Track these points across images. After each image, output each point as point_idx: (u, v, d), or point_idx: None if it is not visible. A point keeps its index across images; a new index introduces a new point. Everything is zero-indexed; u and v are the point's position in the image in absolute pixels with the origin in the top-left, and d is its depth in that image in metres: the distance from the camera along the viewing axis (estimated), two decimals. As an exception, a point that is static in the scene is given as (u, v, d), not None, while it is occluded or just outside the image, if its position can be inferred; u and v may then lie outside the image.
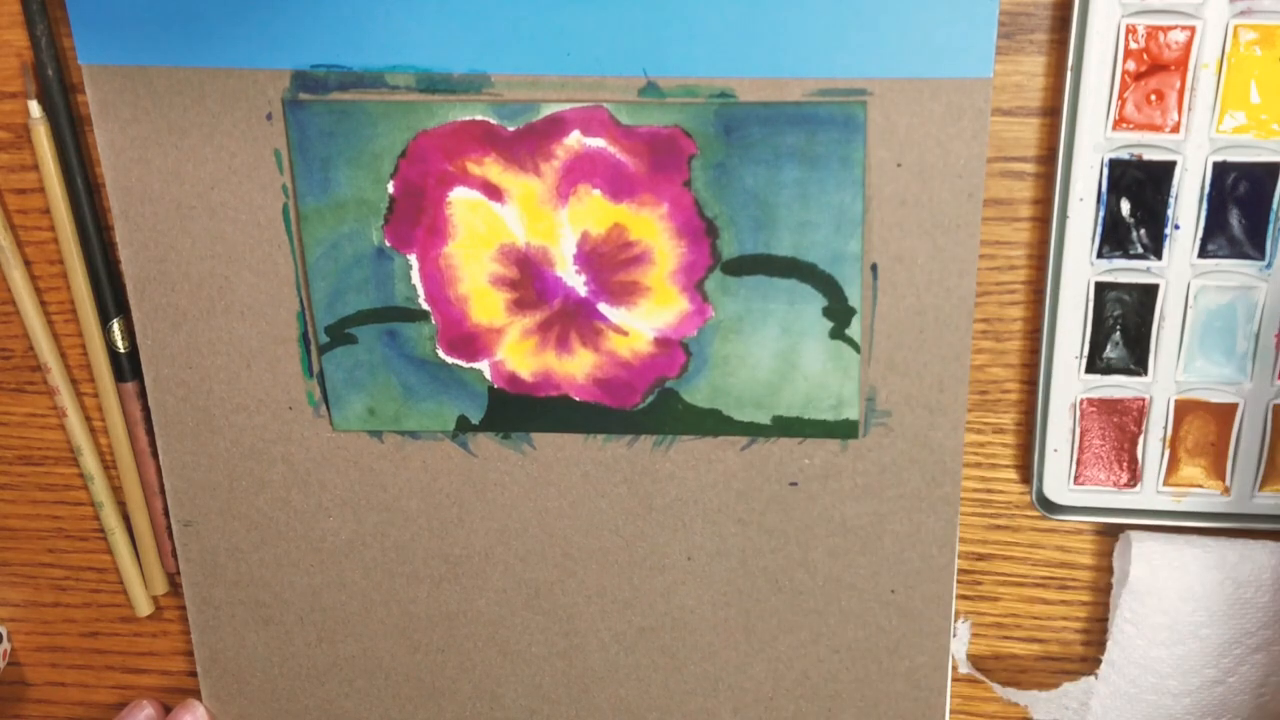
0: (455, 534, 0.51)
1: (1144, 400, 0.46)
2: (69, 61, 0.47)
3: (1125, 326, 0.45)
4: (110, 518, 0.54)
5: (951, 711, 0.53)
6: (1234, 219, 0.44)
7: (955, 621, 0.52)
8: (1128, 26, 0.42)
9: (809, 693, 0.52)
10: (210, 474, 0.51)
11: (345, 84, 0.45)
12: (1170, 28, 0.42)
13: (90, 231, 0.49)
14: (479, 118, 0.45)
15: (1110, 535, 0.50)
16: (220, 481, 0.52)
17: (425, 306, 0.48)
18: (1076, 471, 0.48)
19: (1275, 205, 0.43)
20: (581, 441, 0.49)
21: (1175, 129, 0.43)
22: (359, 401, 0.49)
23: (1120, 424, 0.47)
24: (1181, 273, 0.45)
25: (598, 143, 0.45)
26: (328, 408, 0.50)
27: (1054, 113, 0.44)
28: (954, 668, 0.52)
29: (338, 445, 0.50)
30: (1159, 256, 0.44)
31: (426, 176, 0.46)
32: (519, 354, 0.48)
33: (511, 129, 0.45)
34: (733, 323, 0.47)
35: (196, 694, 0.56)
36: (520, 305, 0.47)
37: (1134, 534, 0.48)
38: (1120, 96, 0.42)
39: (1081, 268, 0.45)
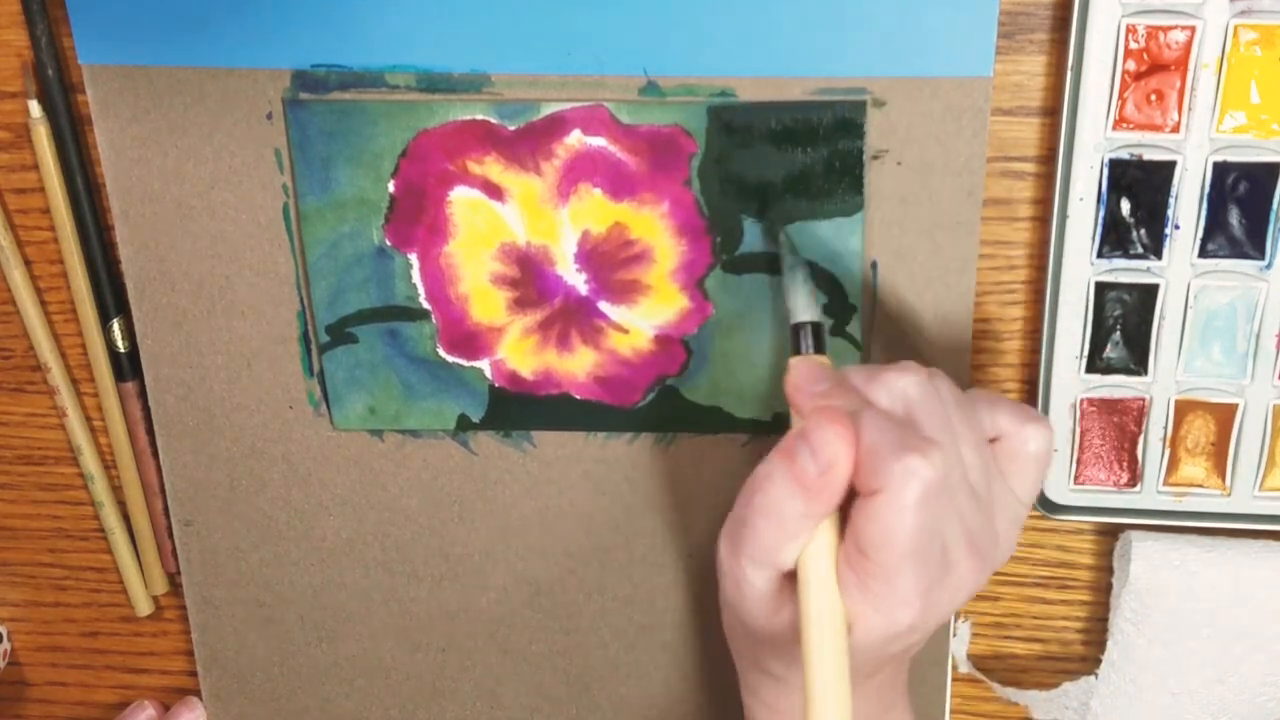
0: (456, 533, 0.51)
1: (1144, 400, 0.46)
2: (69, 61, 0.47)
3: (1125, 326, 0.45)
4: (110, 518, 0.53)
5: (951, 711, 0.53)
6: (1234, 219, 0.44)
7: (955, 621, 0.51)
8: (1128, 26, 0.42)
9: (809, 692, 0.52)
10: (210, 474, 0.51)
11: (345, 84, 0.45)
12: (1170, 28, 0.42)
13: (90, 231, 0.49)
14: (479, 117, 0.45)
15: (1110, 535, 0.50)
16: (220, 481, 0.52)
17: (426, 305, 0.48)
18: (1077, 471, 0.48)
19: (1275, 205, 0.43)
20: (582, 440, 0.49)
21: (1175, 129, 0.43)
22: (359, 400, 0.49)
23: (1120, 424, 0.47)
24: (1181, 273, 0.45)
25: (598, 142, 0.45)
26: (328, 407, 0.50)
27: (1054, 113, 0.44)
28: (954, 667, 0.52)
29: (338, 444, 0.50)
30: (1159, 256, 0.44)
31: (427, 176, 0.46)
32: (519, 352, 0.48)
33: (512, 128, 0.45)
34: (733, 320, 0.47)
35: (196, 694, 0.56)
36: (521, 304, 0.47)
37: (1134, 534, 0.48)
38: (1120, 96, 0.42)
39: (1081, 268, 0.45)
